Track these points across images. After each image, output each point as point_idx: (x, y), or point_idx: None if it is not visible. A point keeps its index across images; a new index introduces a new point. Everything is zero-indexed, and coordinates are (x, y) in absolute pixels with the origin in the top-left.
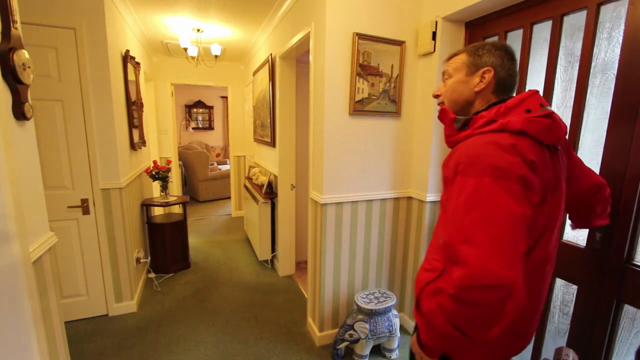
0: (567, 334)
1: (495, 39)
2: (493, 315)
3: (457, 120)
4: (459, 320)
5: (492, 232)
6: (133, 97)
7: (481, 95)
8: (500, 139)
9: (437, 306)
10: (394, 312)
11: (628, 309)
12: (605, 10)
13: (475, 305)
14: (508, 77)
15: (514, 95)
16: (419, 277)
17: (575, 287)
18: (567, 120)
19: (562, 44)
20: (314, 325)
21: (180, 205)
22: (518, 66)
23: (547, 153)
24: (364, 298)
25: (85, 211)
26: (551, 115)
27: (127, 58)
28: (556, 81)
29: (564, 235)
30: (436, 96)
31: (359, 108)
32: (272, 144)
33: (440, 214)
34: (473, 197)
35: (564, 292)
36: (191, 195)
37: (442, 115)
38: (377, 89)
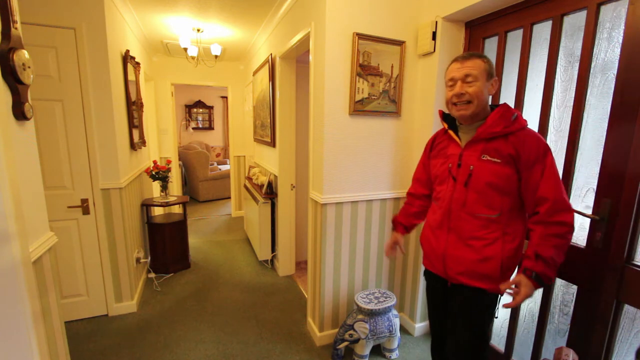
0: (567, 334)
1: (495, 39)
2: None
3: (514, 115)
4: (565, 247)
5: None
6: (133, 97)
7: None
8: None
9: (556, 247)
10: (394, 312)
11: (628, 309)
12: (605, 10)
13: (571, 232)
14: None
15: None
16: (488, 252)
17: (575, 287)
18: (567, 120)
19: (562, 44)
20: (314, 325)
21: (180, 205)
22: None
23: None
24: (364, 298)
25: (85, 211)
26: None
27: (127, 58)
28: (556, 81)
29: None
30: (460, 95)
31: (359, 108)
32: (272, 144)
33: (486, 193)
34: (555, 167)
35: (564, 292)
36: (191, 195)
37: (506, 110)
38: (377, 89)
